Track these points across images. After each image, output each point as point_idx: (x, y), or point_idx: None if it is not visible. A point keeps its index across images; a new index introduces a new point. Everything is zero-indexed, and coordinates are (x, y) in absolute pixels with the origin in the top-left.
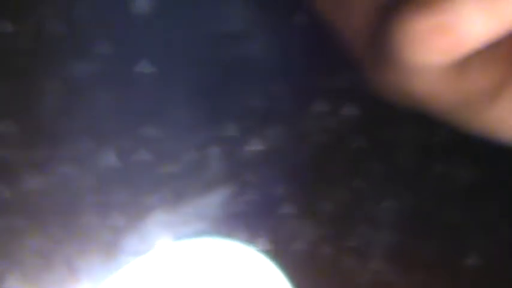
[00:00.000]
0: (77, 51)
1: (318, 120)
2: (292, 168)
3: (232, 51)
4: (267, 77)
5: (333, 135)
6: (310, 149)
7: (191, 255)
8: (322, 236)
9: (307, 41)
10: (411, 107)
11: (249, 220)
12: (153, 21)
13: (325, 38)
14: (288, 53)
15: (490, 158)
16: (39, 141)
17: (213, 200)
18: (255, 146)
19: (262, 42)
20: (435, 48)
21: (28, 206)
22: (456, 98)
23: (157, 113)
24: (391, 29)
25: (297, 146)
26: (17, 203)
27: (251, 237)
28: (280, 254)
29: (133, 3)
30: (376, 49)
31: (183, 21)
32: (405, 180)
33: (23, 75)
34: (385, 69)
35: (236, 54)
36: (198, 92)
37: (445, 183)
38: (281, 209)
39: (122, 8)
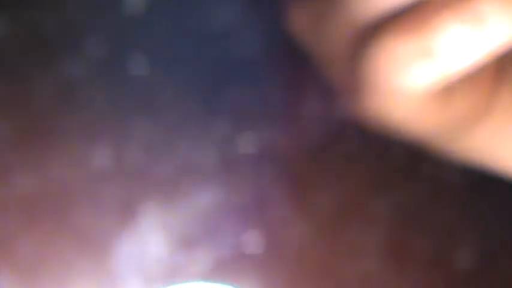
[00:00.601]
0: (70, 52)
1: (312, 120)
2: (285, 169)
3: (226, 51)
4: (261, 78)
5: (326, 135)
6: (303, 149)
7: None
8: (315, 237)
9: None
10: (390, 133)
11: (241, 221)
12: (147, 21)
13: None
14: (282, 52)
15: None
16: (32, 142)
17: (206, 201)
18: (248, 147)
19: (255, 42)
20: (418, 74)
21: (21, 207)
22: (437, 125)
23: (150, 113)
24: (372, 53)
25: (289, 146)
26: (10, 204)
27: (243, 238)
28: (273, 256)
29: (127, 3)
30: (355, 74)
31: (176, 21)
32: (399, 180)
33: (16, 75)
34: (364, 94)
35: (230, 55)
36: (191, 93)
37: (439, 182)
38: (274, 210)
39: (116, 8)
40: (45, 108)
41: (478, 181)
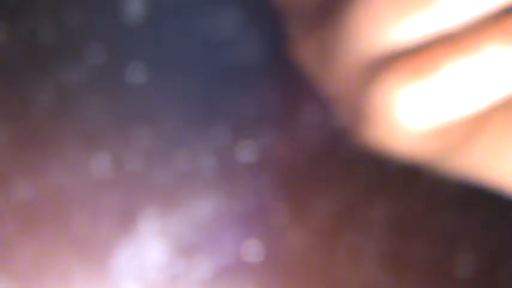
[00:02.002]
0: (70, 59)
1: (311, 128)
2: (284, 177)
3: (225, 60)
4: (260, 86)
5: (325, 143)
6: (301, 157)
7: None
8: (314, 245)
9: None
10: (392, 157)
11: (241, 229)
12: (146, 28)
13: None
14: (281, 61)
15: None
16: (31, 150)
17: (205, 209)
18: (247, 155)
19: (255, 51)
20: (423, 114)
21: (20, 215)
22: (435, 150)
23: (150, 121)
24: (378, 90)
25: (288, 154)
26: (8, 212)
27: (242, 246)
28: (272, 264)
29: (126, 11)
30: (360, 106)
31: (175, 29)
32: (397, 188)
33: (14, 83)
34: (366, 125)
35: (229, 63)
36: (190, 101)
37: (438, 190)
38: (273, 218)
39: (115, 16)
40: (43, 115)
41: (477, 188)
